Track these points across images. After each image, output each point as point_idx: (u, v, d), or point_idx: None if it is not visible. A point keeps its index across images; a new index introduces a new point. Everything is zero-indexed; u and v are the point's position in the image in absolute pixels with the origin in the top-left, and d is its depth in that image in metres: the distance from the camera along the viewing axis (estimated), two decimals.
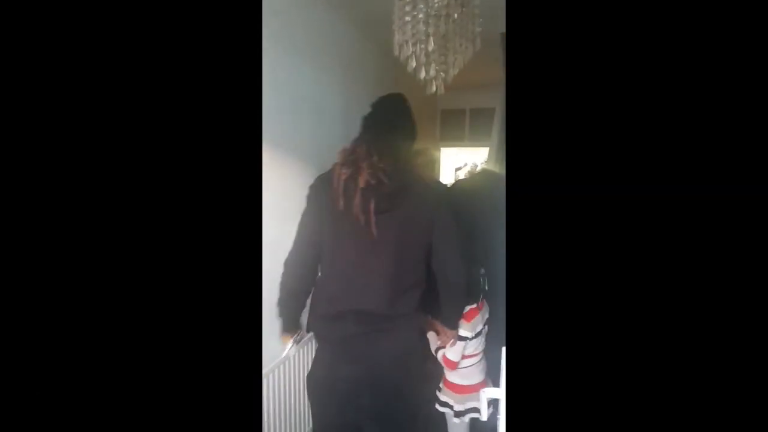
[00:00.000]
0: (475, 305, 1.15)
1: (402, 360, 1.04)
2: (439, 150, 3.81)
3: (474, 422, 1.23)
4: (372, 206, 0.95)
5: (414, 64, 0.86)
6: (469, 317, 1.13)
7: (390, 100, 1.14)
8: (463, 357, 1.14)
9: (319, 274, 1.08)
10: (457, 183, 1.83)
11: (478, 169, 2.56)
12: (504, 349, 0.54)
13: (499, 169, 1.56)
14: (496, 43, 2.21)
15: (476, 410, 1.15)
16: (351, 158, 1.00)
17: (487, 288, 1.18)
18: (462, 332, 1.13)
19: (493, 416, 0.88)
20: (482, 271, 1.19)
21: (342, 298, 1.01)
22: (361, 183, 0.96)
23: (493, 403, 0.87)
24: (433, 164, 2.02)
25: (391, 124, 1.09)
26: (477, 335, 1.15)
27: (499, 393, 0.60)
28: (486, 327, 1.20)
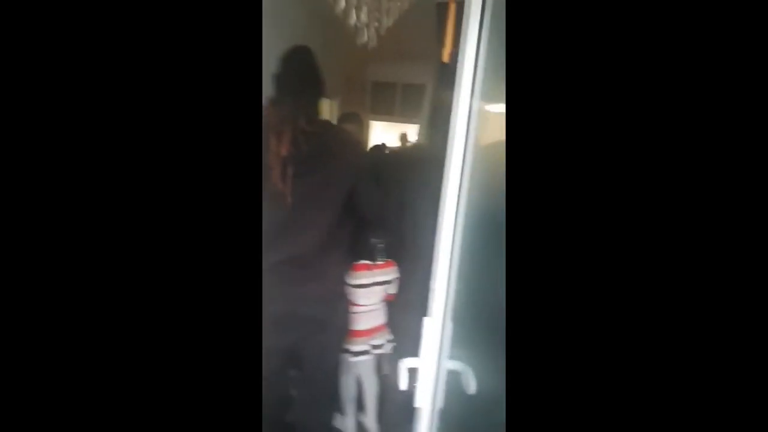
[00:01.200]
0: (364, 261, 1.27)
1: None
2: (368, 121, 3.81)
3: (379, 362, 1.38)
4: (291, 172, 0.94)
5: (344, 4, 0.79)
6: (357, 268, 1.25)
7: (302, 55, 1.09)
8: (357, 305, 1.26)
9: None
10: (390, 151, 1.87)
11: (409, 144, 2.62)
12: (425, 319, 0.58)
13: (429, 146, 1.63)
14: (431, 15, 2.24)
15: (372, 349, 1.30)
16: (275, 122, 0.95)
17: (385, 255, 1.30)
18: (347, 279, 1.23)
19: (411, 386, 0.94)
20: (381, 245, 1.28)
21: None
22: (284, 151, 0.93)
23: (412, 372, 0.92)
24: (361, 130, 2.01)
25: (307, 82, 1.06)
26: (363, 287, 1.26)
27: (418, 362, 0.65)
28: (384, 286, 1.32)
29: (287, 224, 0.98)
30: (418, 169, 1.41)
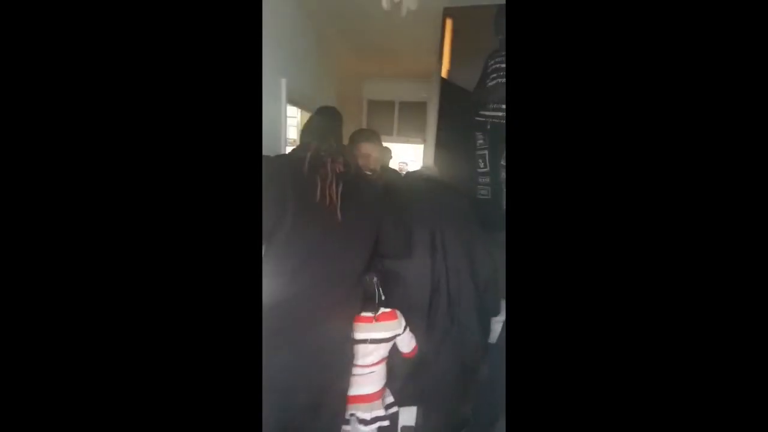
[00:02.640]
0: (371, 313, 1.13)
1: None
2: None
3: None
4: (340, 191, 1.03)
5: None
6: (356, 320, 1.11)
7: (332, 110, 1.29)
8: (355, 365, 1.10)
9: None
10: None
11: (409, 167, 2.51)
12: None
13: (437, 171, 1.52)
14: (432, 33, 2.22)
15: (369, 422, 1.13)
16: (324, 147, 1.07)
17: (383, 298, 1.15)
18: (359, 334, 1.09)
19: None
20: (375, 279, 1.17)
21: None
22: (338, 169, 1.04)
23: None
24: (380, 151, 1.94)
25: (336, 131, 1.21)
26: (360, 343, 1.12)
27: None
28: (385, 345, 1.15)
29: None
30: (438, 196, 1.30)
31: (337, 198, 1.00)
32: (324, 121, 1.20)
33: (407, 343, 1.17)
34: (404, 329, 1.16)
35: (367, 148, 1.42)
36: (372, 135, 1.50)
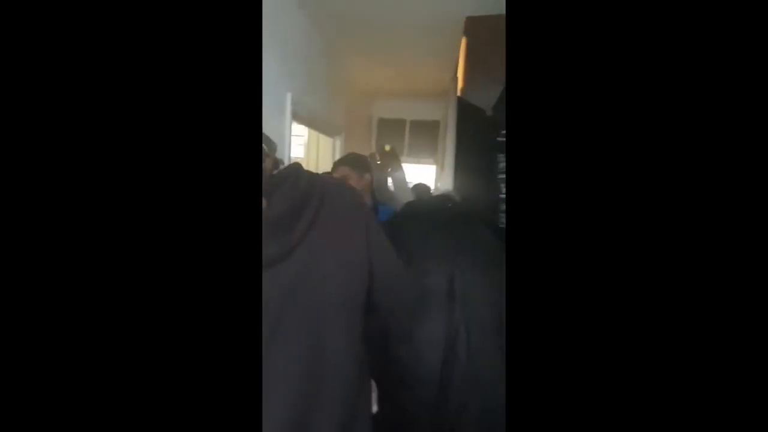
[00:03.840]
0: None
1: None
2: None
3: None
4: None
5: None
6: None
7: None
8: None
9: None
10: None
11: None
12: None
13: (455, 194, 1.40)
14: (446, 49, 2.16)
15: None
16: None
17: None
18: None
19: None
20: None
21: None
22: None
23: None
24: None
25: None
26: None
27: None
28: None
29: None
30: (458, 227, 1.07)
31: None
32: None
33: None
34: None
35: (342, 171, 1.30)
36: (349, 158, 1.36)
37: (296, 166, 0.70)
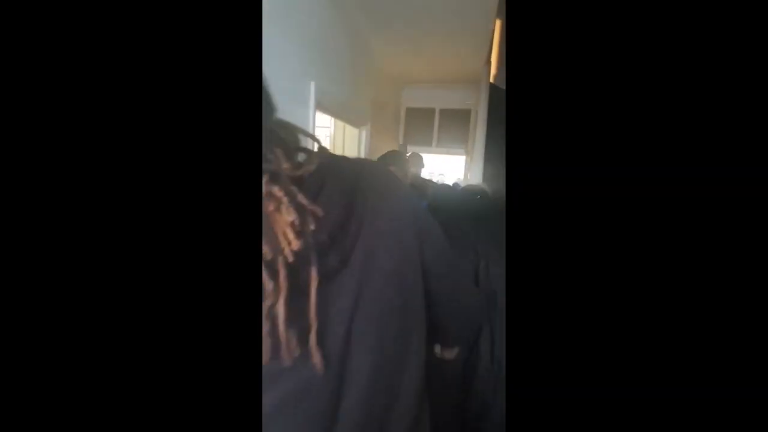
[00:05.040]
0: None
1: None
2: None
3: None
4: None
5: None
6: None
7: None
8: None
9: None
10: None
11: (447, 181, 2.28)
12: None
13: (485, 185, 1.35)
14: (478, 33, 2.07)
15: None
16: None
17: None
18: None
19: None
20: None
21: None
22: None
23: None
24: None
25: None
26: None
27: None
28: None
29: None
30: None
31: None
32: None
33: None
34: None
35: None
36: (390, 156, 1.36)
37: (329, 160, 0.60)
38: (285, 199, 0.49)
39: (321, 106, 1.80)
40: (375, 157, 2.81)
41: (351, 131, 2.72)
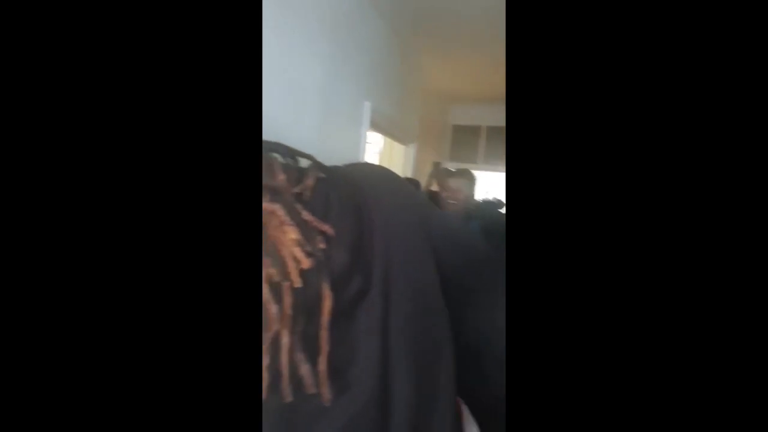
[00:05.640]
0: None
1: None
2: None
3: None
4: None
5: None
6: None
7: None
8: None
9: None
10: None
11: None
12: None
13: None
14: None
15: None
16: None
17: None
18: None
19: None
20: None
21: None
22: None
23: None
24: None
25: None
26: None
27: None
28: None
29: None
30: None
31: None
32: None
33: None
34: None
35: (457, 183, 1.33)
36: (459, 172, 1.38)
37: (328, 171, 0.56)
38: (287, 218, 0.47)
39: (374, 125, 1.86)
40: (420, 174, 2.85)
41: (398, 148, 2.77)
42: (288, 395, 0.45)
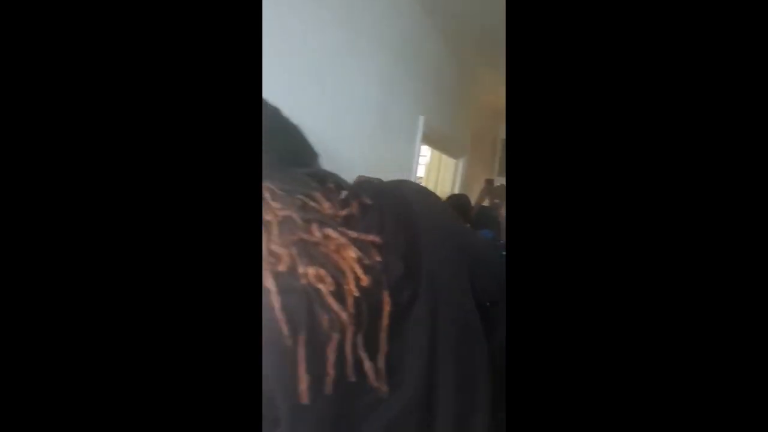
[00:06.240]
0: None
1: None
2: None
3: None
4: None
5: None
6: None
7: None
8: None
9: None
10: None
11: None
12: None
13: None
14: None
15: None
16: None
17: None
18: None
19: None
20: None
21: None
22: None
23: None
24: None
25: None
26: None
27: None
28: None
29: None
30: None
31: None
32: None
33: None
34: None
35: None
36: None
37: (374, 196, 0.59)
38: (343, 239, 0.51)
39: (427, 139, 1.87)
40: (469, 189, 2.82)
41: (447, 161, 2.77)
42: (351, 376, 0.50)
